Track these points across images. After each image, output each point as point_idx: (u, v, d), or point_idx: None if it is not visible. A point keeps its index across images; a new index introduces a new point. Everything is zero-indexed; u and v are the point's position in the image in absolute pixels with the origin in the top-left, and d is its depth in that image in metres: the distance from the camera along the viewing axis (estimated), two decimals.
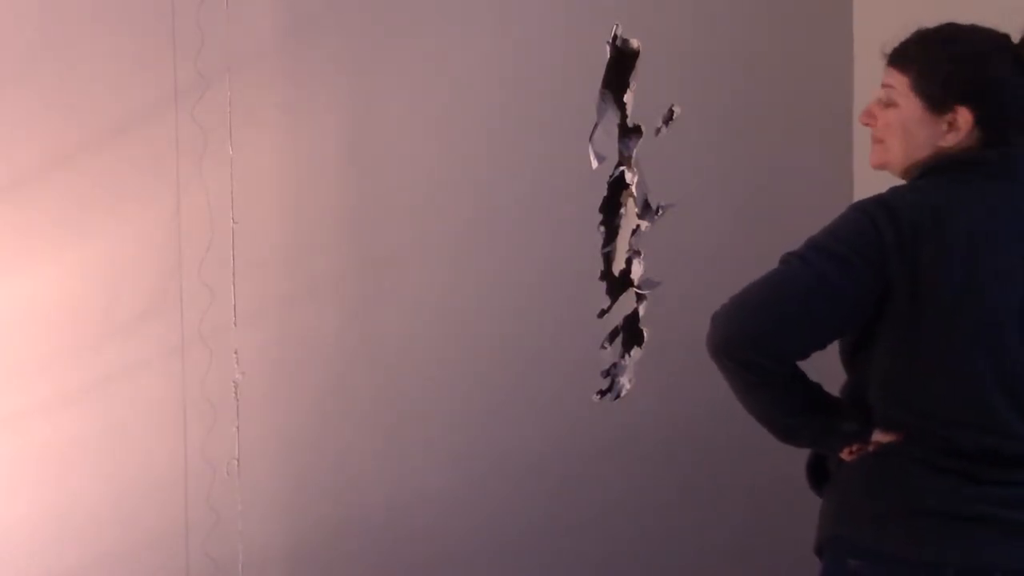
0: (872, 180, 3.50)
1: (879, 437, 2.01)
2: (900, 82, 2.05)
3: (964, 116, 1.98)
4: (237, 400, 2.67)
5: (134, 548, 2.59)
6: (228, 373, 2.66)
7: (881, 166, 2.11)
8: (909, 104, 2.03)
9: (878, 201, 1.98)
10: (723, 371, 2.03)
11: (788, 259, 1.98)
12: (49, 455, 2.50)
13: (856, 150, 3.55)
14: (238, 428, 2.68)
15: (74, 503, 2.53)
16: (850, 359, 2.06)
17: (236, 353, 2.66)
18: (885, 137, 2.07)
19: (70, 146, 2.49)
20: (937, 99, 2.00)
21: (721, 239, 3.31)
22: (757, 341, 1.97)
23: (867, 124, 2.10)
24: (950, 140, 2.01)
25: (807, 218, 3.47)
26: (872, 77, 3.71)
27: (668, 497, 3.29)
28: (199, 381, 2.63)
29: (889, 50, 2.10)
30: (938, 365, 1.95)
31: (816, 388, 2.07)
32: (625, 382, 3.18)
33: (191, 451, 2.63)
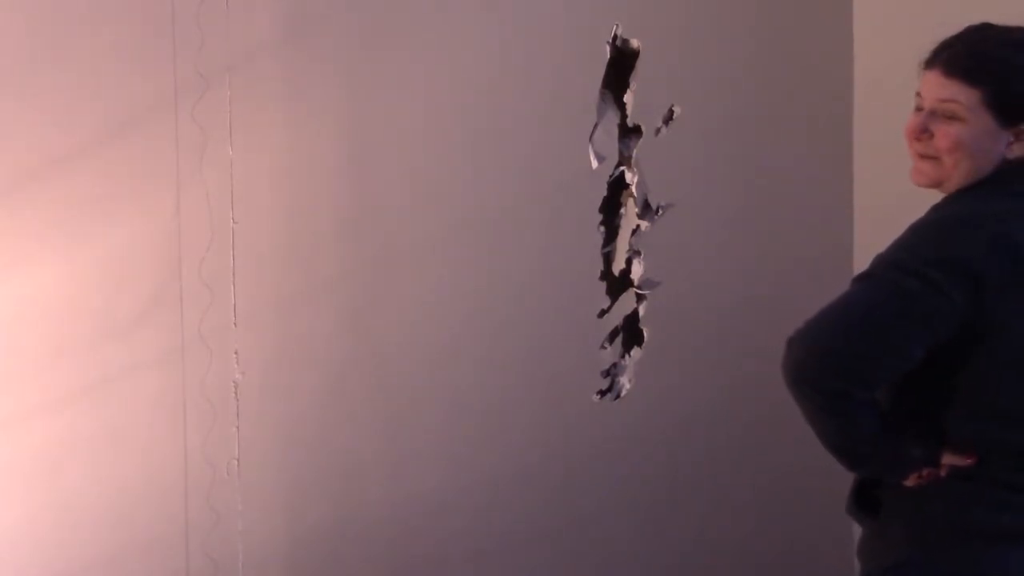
0: (872, 180, 3.51)
1: (950, 460, 1.94)
2: (969, 96, 1.94)
3: None
4: (237, 400, 2.67)
5: (134, 548, 2.58)
6: (228, 373, 2.66)
7: (932, 185, 2.01)
8: (980, 119, 1.93)
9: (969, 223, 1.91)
10: (800, 399, 1.95)
11: (880, 279, 1.91)
12: (49, 455, 2.50)
13: (856, 150, 3.55)
14: (238, 428, 2.68)
15: (73, 503, 2.52)
16: (918, 376, 1.96)
17: (236, 353, 2.66)
18: (945, 155, 1.96)
19: (70, 146, 2.49)
20: (1013, 113, 1.93)
21: (721, 239, 3.31)
22: (847, 369, 1.90)
23: (918, 139, 2.00)
24: (1016, 151, 1.94)
25: (807, 218, 3.49)
26: (872, 77, 3.73)
27: (668, 497, 3.29)
28: (199, 381, 2.63)
29: (937, 58, 2.00)
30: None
31: (885, 416, 2.00)
32: (625, 382, 3.18)
33: (191, 451, 2.63)
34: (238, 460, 2.68)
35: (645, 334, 3.19)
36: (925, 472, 1.97)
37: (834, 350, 1.90)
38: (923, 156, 2.00)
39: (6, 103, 2.42)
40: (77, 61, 2.48)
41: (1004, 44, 1.96)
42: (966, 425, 1.94)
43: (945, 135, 1.96)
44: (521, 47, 3.00)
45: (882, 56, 3.46)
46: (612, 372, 3.17)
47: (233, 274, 2.65)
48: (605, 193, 3.11)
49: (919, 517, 2.00)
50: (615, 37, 3.09)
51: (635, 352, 3.18)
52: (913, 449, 1.96)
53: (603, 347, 3.14)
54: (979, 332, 1.88)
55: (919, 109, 2.02)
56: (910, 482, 1.99)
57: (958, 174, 1.96)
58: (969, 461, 1.93)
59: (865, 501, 2.08)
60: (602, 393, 3.16)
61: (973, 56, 1.96)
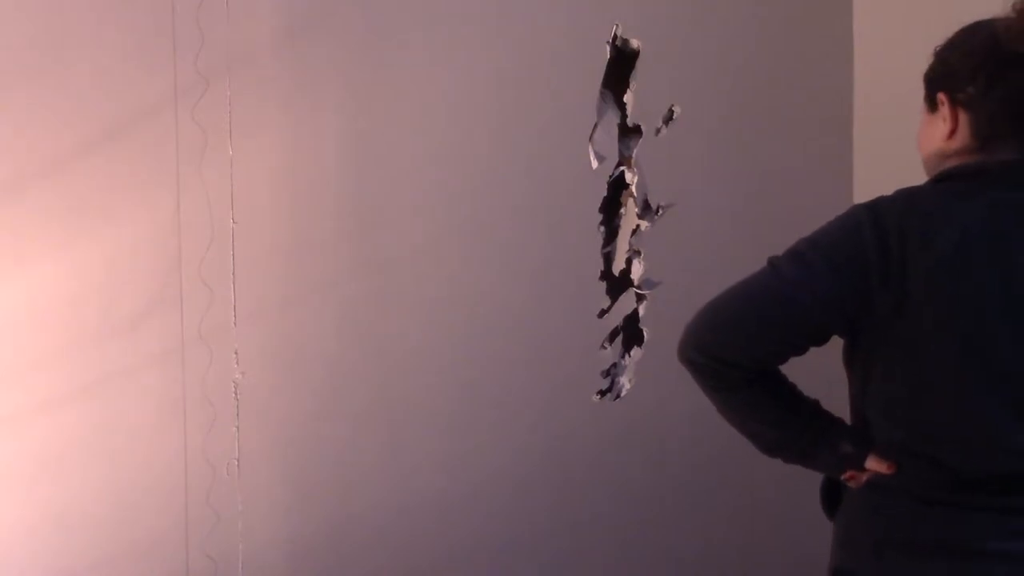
0: (872, 180, 3.51)
1: (872, 464, 1.93)
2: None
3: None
4: (237, 400, 2.67)
5: (134, 548, 2.59)
6: (228, 373, 2.66)
7: None
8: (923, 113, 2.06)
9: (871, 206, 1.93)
10: (693, 375, 2.03)
11: (768, 263, 1.98)
12: (49, 455, 2.50)
13: (856, 150, 3.55)
14: (238, 428, 2.68)
15: (74, 503, 2.53)
16: (847, 366, 1.99)
17: (236, 353, 2.66)
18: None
19: (70, 146, 2.49)
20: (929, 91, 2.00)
21: (721, 239, 3.31)
22: (703, 341, 1.99)
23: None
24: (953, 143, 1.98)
25: (807, 218, 3.48)
26: (872, 77, 3.73)
27: (669, 497, 3.29)
28: (199, 381, 2.63)
29: None
30: (929, 380, 1.85)
31: (804, 401, 2.02)
32: (625, 382, 3.18)
33: (191, 451, 2.63)
34: (238, 460, 2.68)
35: (645, 334, 3.19)
36: (851, 473, 1.97)
37: (701, 326, 2.02)
38: None
39: (7, 103, 2.42)
40: (77, 61, 2.49)
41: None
42: (885, 421, 1.94)
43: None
44: (521, 47, 3.00)
45: (882, 56, 3.47)
46: (612, 372, 3.17)
47: (233, 274, 2.65)
48: (605, 193, 3.11)
49: (847, 524, 2.00)
50: (615, 37, 3.09)
51: (635, 352, 3.18)
52: (842, 444, 1.97)
53: (603, 347, 3.14)
54: (885, 318, 1.88)
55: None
56: (846, 480, 1.99)
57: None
58: (887, 470, 1.92)
59: (831, 497, 2.08)
60: (602, 393, 3.16)
61: None
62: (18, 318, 2.46)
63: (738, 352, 1.98)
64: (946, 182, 1.92)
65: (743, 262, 3.49)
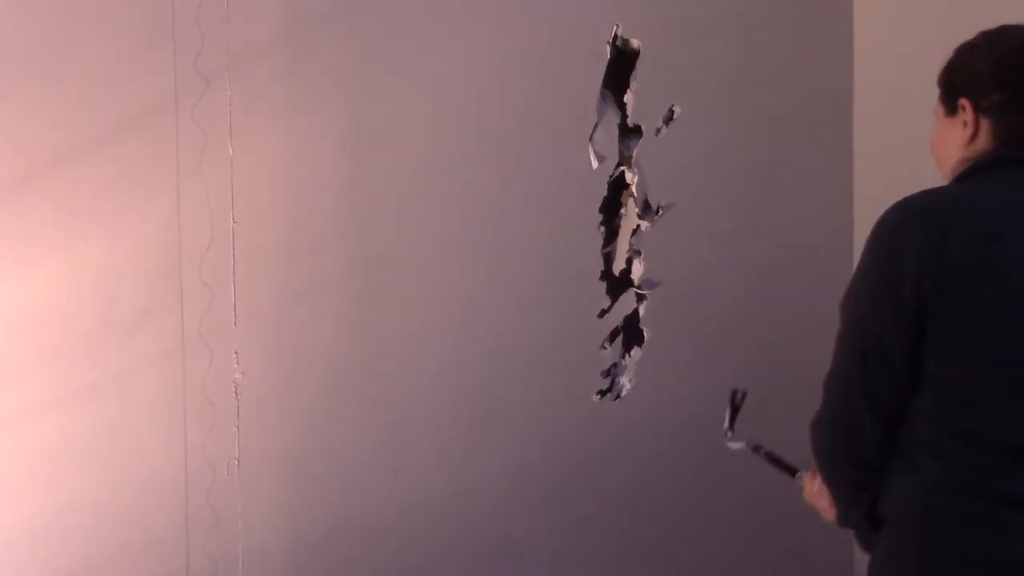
0: (872, 181, 3.51)
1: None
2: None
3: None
4: (237, 400, 2.67)
5: (134, 548, 2.58)
6: (228, 373, 2.66)
7: None
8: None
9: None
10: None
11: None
12: (49, 455, 2.50)
13: (856, 150, 3.55)
14: (238, 428, 2.68)
15: (74, 503, 2.52)
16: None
17: (236, 353, 2.66)
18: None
19: (70, 146, 2.49)
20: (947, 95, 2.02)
21: (721, 239, 3.31)
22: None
23: None
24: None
25: (807, 218, 3.49)
26: (872, 77, 3.73)
27: (668, 497, 3.29)
28: (199, 381, 2.62)
29: None
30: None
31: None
32: (625, 382, 3.18)
33: (191, 451, 2.63)
34: (238, 460, 2.68)
35: (645, 334, 3.19)
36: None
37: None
38: None
39: (7, 104, 2.42)
40: (78, 62, 2.48)
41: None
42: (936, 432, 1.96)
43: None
44: (522, 47, 2.99)
45: (882, 56, 3.46)
46: (612, 372, 3.17)
47: (233, 274, 2.65)
48: (605, 193, 3.11)
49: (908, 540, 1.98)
50: (615, 37, 3.09)
51: (635, 352, 3.18)
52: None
53: (603, 347, 3.14)
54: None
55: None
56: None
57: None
58: None
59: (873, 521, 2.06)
60: (602, 393, 3.16)
61: None
62: (19, 318, 2.46)
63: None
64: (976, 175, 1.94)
65: (743, 262, 3.50)
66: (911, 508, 1.90)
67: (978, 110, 1.94)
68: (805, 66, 3.46)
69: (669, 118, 3.18)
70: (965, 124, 1.95)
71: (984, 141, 1.94)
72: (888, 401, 1.91)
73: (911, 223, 1.86)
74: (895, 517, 1.94)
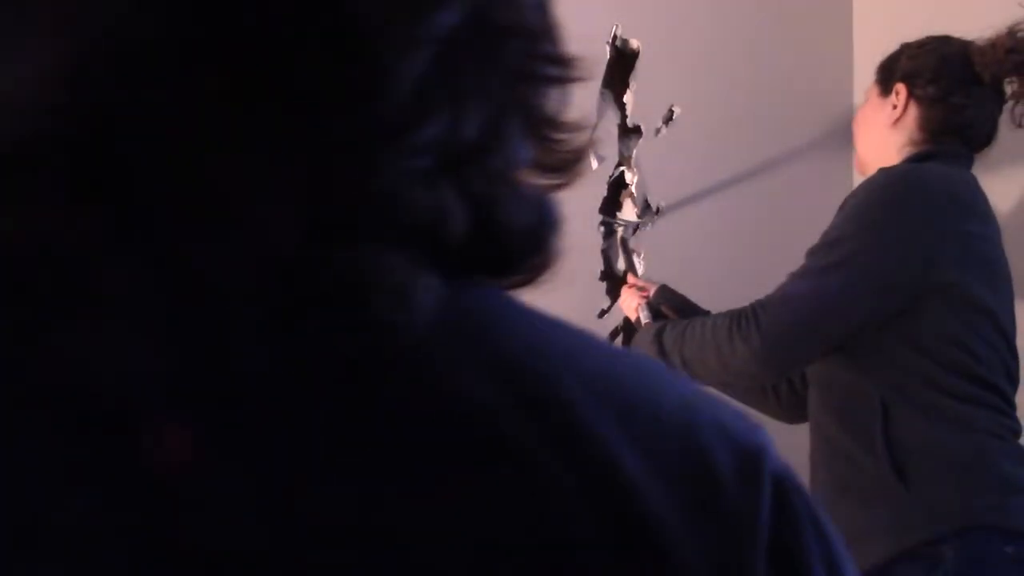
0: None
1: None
2: None
3: None
4: None
5: None
6: None
7: None
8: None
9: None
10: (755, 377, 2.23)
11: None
12: None
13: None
14: None
15: None
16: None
17: None
18: None
19: None
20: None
21: (721, 239, 3.31)
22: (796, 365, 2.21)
23: None
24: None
25: (807, 217, 3.48)
26: (872, 77, 3.72)
27: None
28: None
29: None
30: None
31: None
32: None
33: None
34: None
35: None
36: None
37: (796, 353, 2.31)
38: None
39: None
40: None
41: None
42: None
43: None
44: None
45: (882, 57, 3.47)
46: None
47: None
48: (605, 193, 3.11)
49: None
50: (615, 37, 3.09)
51: None
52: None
53: None
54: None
55: None
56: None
57: None
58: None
59: None
60: None
61: None
62: None
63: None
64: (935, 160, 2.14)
65: (743, 262, 3.51)
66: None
67: (911, 96, 2.13)
68: (805, 66, 3.46)
69: (669, 118, 3.18)
70: (895, 107, 2.14)
71: (909, 126, 2.15)
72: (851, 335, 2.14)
73: (940, 198, 2.07)
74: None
